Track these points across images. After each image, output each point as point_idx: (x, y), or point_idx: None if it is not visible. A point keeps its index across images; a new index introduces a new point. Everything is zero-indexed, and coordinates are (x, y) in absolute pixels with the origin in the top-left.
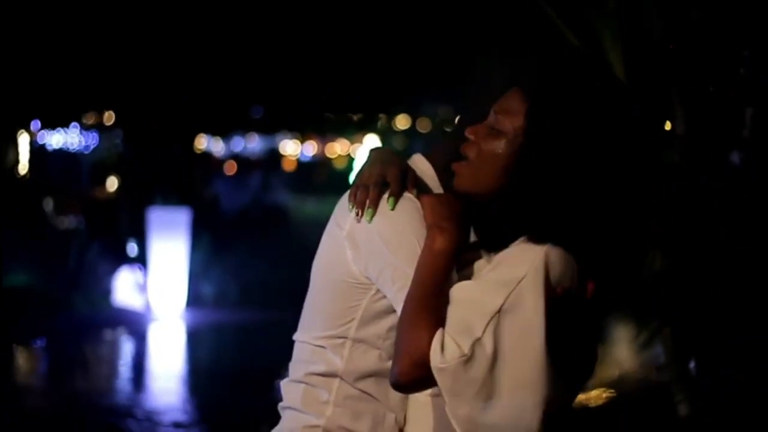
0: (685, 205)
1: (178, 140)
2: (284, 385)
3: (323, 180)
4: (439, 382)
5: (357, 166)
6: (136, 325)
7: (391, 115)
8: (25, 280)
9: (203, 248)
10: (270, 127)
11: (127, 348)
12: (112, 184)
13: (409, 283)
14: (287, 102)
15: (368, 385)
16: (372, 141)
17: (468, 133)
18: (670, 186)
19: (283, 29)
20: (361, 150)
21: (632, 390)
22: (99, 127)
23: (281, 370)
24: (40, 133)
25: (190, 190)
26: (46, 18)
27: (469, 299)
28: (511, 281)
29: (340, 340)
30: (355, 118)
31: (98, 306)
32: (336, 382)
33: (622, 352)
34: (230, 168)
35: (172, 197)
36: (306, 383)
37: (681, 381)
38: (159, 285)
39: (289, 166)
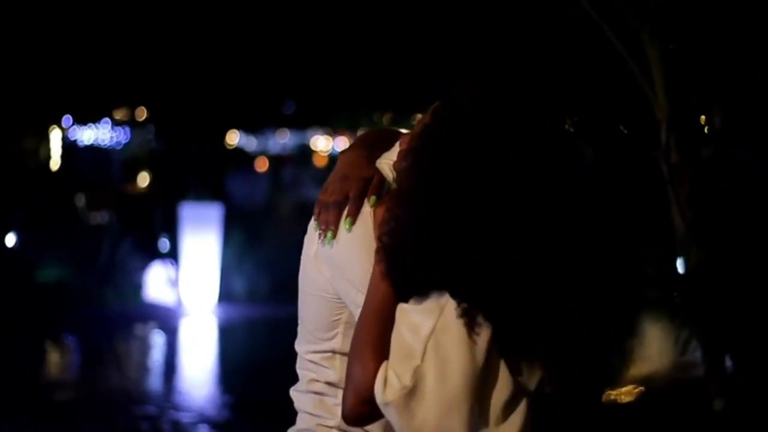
0: (722, 201)
1: (210, 136)
2: (293, 393)
3: None
4: (387, 417)
5: None
6: (167, 320)
7: (423, 111)
8: (57, 276)
9: (235, 243)
10: (301, 123)
11: (158, 343)
12: (144, 179)
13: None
14: (319, 98)
15: None
16: None
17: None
18: (706, 181)
19: (316, 25)
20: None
21: (664, 386)
22: (131, 122)
23: None
24: (71, 129)
25: (221, 185)
26: (78, 13)
27: (408, 323)
28: (438, 304)
29: (329, 354)
30: (384, 119)
31: (130, 301)
32: (339, 390)
33: (655, 347)
34: (261, 164)
35: (204, 192)
36: (313, 392)
37: (716, 377)
38: (191, 280)
39: (320, 162)
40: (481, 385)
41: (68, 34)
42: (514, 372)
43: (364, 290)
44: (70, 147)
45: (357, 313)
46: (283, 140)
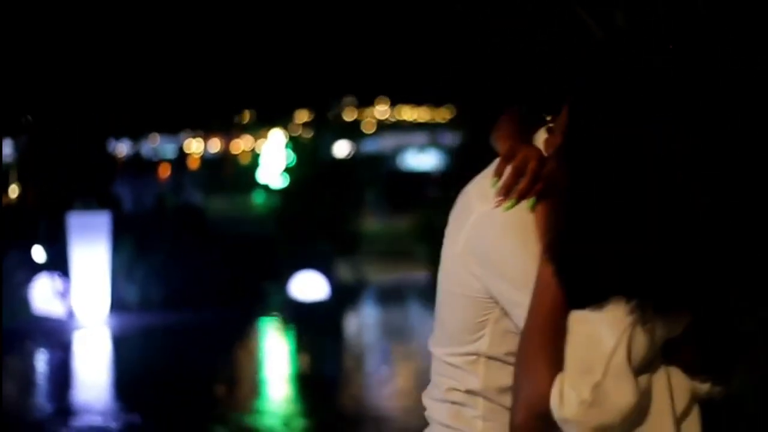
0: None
1: (91, 142)
2: (427, 400)
3: (231, 175)
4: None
5: (263, 161)
6: (58, 333)
7: (289, 110)
8: None
9: (124, 252)
10: (174, 127)
11: (50, 357)
12: (14, 191)
13: (523, 313)
14: (191, 100)
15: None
16: (277, 136)
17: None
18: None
19: (188, 29)
20: (266, 145)
21: None
22: None
23: (208, 372)
24: None
25: (108, 193)
26: None
27: (586, 334)
28: (622, 316)
29: (473, 357)
30: (246, 117)
31: (18, 316)
32: (480, 399)
33: None
34: (164, 170)
35: (91, 201)
36: (450, 401)
37: None
38: (81, 291)
39: (193, 165)
40: (663, 398)
41: None
42: (690, 374)
43: (523, 288)
44: None
45: (515, 312)
46: (154, 144)
